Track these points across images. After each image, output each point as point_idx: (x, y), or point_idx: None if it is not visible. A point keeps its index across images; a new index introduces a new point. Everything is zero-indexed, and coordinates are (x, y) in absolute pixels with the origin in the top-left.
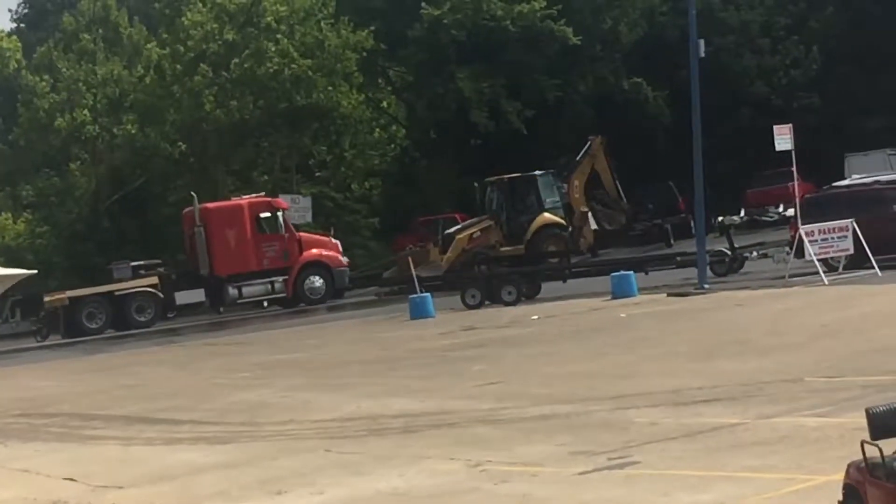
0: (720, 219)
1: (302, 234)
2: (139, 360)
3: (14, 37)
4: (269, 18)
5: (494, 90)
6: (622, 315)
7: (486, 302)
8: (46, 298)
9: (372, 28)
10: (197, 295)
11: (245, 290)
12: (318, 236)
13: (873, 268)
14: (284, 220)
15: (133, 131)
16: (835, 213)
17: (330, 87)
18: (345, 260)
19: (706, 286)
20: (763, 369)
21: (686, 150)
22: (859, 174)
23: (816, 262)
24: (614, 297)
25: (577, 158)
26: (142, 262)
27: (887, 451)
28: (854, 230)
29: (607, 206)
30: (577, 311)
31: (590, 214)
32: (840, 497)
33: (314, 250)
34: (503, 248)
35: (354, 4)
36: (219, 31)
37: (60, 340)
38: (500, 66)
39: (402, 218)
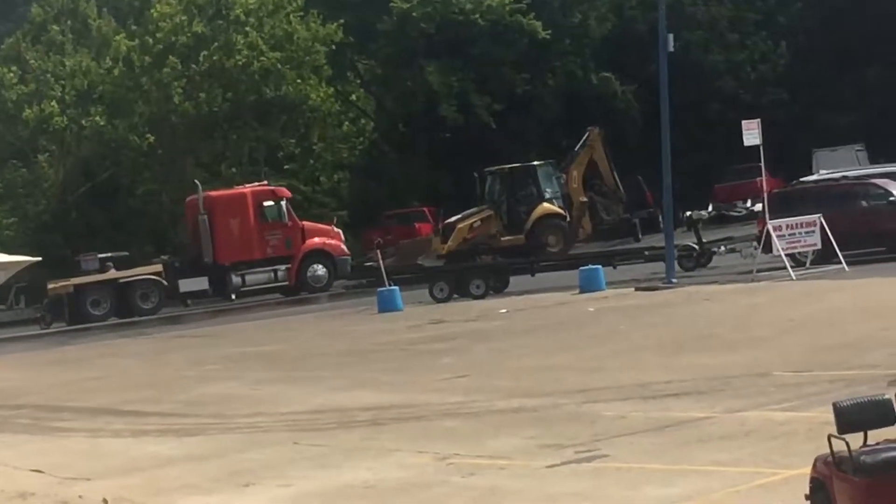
0: (688, 213)
1: (305, 222)
2: (109, 352)
3: None
4: (238, 11)
5: (463, 84)
6: (590, 309)
7: (455, 295)
8: (50, 286)
9: (341, 21)
10: (200, 283)
11: (248, 278)
12: (320, 225)
13: (841, 263)
14: (287, 208)
15: (101, 123)
16: (803, 209)
17: (299, 80)
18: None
19: (674, 280)
20: (731, 363)
21: (655, 145)
22: (827, 169)
23: (784, 257)
24: (582, 292)
25: (576, 149)
26: (109, 255)
27: (854, 446)
28: (822, 225)
29: (605, 197)
30: (545, 305)
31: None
32: (807, 491)
33: (317, 239)
34: (503, 238)
35: None
36: (188, 24)
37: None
38: (469, 60)
39: (371, 211)
